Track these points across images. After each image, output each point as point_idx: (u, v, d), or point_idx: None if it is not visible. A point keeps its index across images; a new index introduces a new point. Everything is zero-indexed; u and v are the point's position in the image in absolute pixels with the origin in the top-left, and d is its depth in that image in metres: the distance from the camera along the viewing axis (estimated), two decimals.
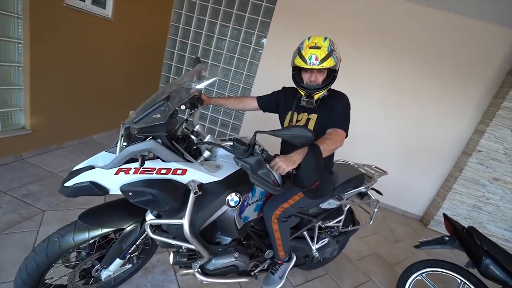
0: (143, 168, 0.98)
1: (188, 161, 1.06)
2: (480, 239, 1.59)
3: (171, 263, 1.26)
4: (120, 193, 1.00)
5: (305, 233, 1.68)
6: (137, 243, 1.20)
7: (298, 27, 3.43)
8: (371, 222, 1.91)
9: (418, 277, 1.80)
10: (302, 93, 1.36)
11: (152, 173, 0.99)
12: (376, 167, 2.07)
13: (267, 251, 1.57)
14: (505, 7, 2.57)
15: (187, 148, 1.11)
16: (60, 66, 2.44)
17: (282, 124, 1.50)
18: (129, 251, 1.20)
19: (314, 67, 1.24)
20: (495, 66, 3.12)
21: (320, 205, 1.61)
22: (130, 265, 1.36)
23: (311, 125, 1.37)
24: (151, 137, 0.99)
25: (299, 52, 1.27)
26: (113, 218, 1.15)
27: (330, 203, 1.66)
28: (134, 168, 0.97)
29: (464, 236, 1.65)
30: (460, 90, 3.27)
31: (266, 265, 1.63)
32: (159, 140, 0.99)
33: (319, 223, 1.68)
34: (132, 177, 0.98)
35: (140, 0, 3.12)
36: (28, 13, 2.02)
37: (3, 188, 1.97)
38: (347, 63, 3.39)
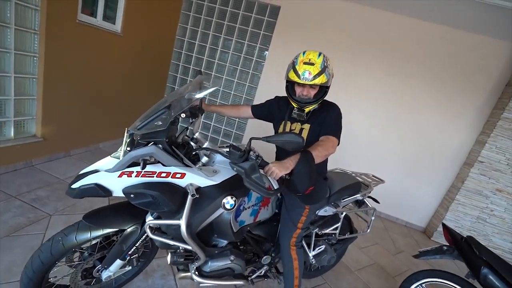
0: (144, 172, 1.04)
1: (187, 165, 1.12)
2: (478, 249, 1.58)
3: (169, 263, 1.31)
4: (123, 195, 1.06)
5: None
6: (137, 244, 1.25)
7: (298, 40, 3.55)
8: (368, 230, 1.93)
9: (418, 287, 1.77)
10: (294, 105, 1.42)
11: (153, 176, 1.06)
12: (373, 176, 2.09)
13: (264, 257, 1.60)
14: (501, 20, 2.64)
15: (186, 153, 1.17)
16: (71, 78, 2.58)
17: (276, 132, 1.56)
18: (129, 252, 1.25)
19: (306, 82, 1.29)
20: (494, 77, 3.16)
21: (317, 212, 1.64)
22: (130, 267, 1.41)
23: (304, 135, 1.42)
24: (152, 142, 1.05)
25: (293, 67, 1.32)
26: (114, 219, 1.21)
27: (326, 210, 1.69)
28: (136, 171, 1.04)
29: (462, 246, 1.65)
30: (460, 102, 3.31)
31: (263, 271, 1.65)
32: (160, 145, 1.06)
33: (316, 230, 1.71)
34: (134, 180, 1.05)
35: (147, 16, 3.29)
36: (44, 29, 2.17)
37: (13, 193, 2.06)
38: (346, 74, 3.50)
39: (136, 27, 3.15)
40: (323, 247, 1.79)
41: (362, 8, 3.32)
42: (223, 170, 1.22)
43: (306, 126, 1.42)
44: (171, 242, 1.18)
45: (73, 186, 1.05)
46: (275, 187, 1.41)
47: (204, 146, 1.23)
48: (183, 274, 1.39)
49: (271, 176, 1.11)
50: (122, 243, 1.24)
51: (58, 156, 2.75)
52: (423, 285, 1.76)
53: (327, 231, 1.75)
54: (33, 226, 1.82)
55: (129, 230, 1.23)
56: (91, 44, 2.66)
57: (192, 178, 1.11)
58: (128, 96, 3.45)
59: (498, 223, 3.28)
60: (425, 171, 3.56)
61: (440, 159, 3.49)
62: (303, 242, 1.71)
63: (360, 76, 3.50)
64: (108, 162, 1.09)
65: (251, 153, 1.15)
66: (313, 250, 1.73)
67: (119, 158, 1.06)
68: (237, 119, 4.05)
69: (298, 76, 1.29)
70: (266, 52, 3.73)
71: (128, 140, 1.07)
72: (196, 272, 1.34)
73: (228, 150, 1.15)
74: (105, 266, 1.27)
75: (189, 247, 1.17)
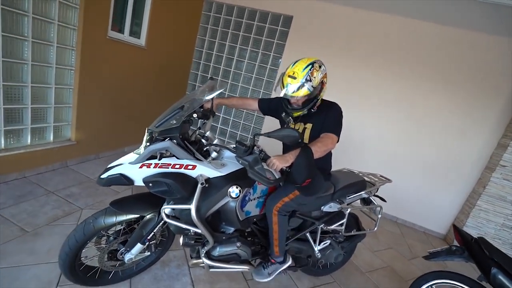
0: (161, 163, 1.21)
1: (198, 159, 1.29)
2: (489, 250, 1.57)
3: (181, 244, 1.48)
4: (143, 184, 1.23)
5: (308, 234, 1.79)
6: (154, 230, 1.42)
7: (310, 48, 3.66)
8: (375, 228, 1.96)
9: None
10: (285, 109, 1.53)
11: (168, 168, 1.23)
12: (381, 176, 2.13)
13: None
14: None
15: (198, 149, 1.34)
16: (101, 88, 2.88)
17: None
18: (148, 237, 1.42)
19: (288, 96, 1.38)
20: None
21: (322, 207, 1.72)
22: (149, 253, 1.58)
23: (307, 134, 1.52)
24: (168, 138, 1.23)
25: (283, 77, 1.42)
26: (136, 206, 1.40)
27: (331, 206, 1.75)
28: (154, 163, 1.21)
29: (473, 247, 1.63)
30: (479, 105, 3.22)
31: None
32: (174, 140, 1.23)
33: (322, 225, 1.78)
34: (152, 171, 1.22)
35: (169, 30, 3.57)
36: (80, 46, 2.48)
37: (52, 189, 2.34)
38: (360, 80, 3.55)
39: (159, 41, 3.44)
40: (328, 242, 1.85)
41: (374, 14, 3.38)
42: (230, 164, 1.38)
43: (309, 126, 1.53)
44: (184, 226, 1.33)
45: (102, 176, 1.24)
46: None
47: (214, 142, 1.39)
48: (195, 261, 1.54)
49: (272, 167, 1.24)
50: (142, 228, 1.41)
51: (89, 158, 3.04)
52: (433, 286, 1.74)
53: (333, 227, 1.81)
54: (67, 218, 2.06)
55: (148, 216, 1.41)
56: (119, 57, 2.96)
57: (202, 170, 1.27)
58: (151, 103, 3.73)
59: None
60: (444, 176, 3.46)
61: (459, 164, 3.39)
62: (309, 237, 1.79)
63: (374, 82, 3.52)
64: (131, 157, 1.27)
65: (255, 148, 1.28)
66: (318, 245, 1.80)
67: (140, 154, 1.24)
68: (252, 125, 4.21)
69: (283, 87, 1.39)
70: (280, 60, 3.87)
71: (148, 137, 1.25)
72: (206, 256, 1.49)
73: (234, 146, 1.30)
74: (128, 249, 1.45)
75: (198, 230, 1.32)
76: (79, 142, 2.82)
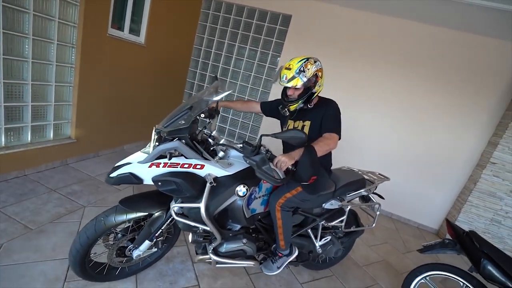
0: (170, 163, 1.24)
1: (206, 159, 1.32)
2: (479, 242, 1.64)
3: (190, 241, 1.54)
4: (152, 183, 1.26)
5: (309, 231, 1.85)
6: (162, 227, 1.45)
7: (309, 47, 3.71)
8: (374, 224, 2.03)
9: (422, 280, 1.83)
10: (282, 102, 1.59)
11: (177, 167, 1.26)
12: (379, 174, 2.20)
13: (274, 245, 1.75)
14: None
15: (205, 149, 1.38)
16: (101, 86, 2.87)
17: (282, 129, 1.75)
18: (156, 235, 1.46)
19: (283, 84, 1.48)
20: (505, 79, 3.17)
21: (323, 205, 1.78)
22: (156, 249, 1.62)
23: (305, 131, 1.57)
24: (177, 138, 1.26)
25: (280, 70, 1.52)
26: (145, 204, 1.43)
27: (332, 204, 1.81)
28: (163, 162, 1.25)
29: (464, 240, 1.71)
30: (471, 104, 3.33)
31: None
32: (183, 140, 1.26)
33: (323, 222, 1.84)
34: (161, 170, 1.25)
35: (168, 28, 3.57)
36: (80, 43, 2.47)
37: (53, 187, 2.34)
38: (358, 78, 3.61)
39: (158, 39, 3.44)
40: (329, 238, 1.92)
41: (371, 15, 3.44)
42: (237, 163, 1.42)
43: (307, 123, 1.58)
44: (192, 223, 1.37)
45: (111, 175, 1.27)
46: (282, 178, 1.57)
47: (220, 142, 1.43)
48: (200, 257, 1.59)
49: (280, 166, 1.28)
50: (150, 226, 1.45)
51: (89, 156, 3.04)
52: (427, 278, 1.82)
53: (333, 223, 1.87)
54: (71, 215, 2.07)
55: (156, 214, 1.44)
56: (118, 55, 2.95)
57: (210, 169, 1.31)
58: (150, 102, 3.73)
59: None
60: (437, 173, 3.57)
61: (452, 161, 3.50)
62: (310, 233, 1.85)
63: (372, 81, 3.59)
64: (138, 156, 1.30)
65: (261, 148, 1.32)
66: (319, 241, 1.86)
67: (147, 153, 1.28)
68: (250, 123, 4.25)
69: (280, 79, 1.48)
70: (278, 58, 3.91)
71: (156, 137, 1.27)
72: (213, 252, 1.54)
73: (241, 146, 1.33)
74: (136, 246, 1.48)
75: (207, 228, 1.36)
76: (79, 140, 2.82)
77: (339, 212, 1.89)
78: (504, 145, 3.12)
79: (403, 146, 3.64)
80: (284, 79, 1.46)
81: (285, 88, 1.58)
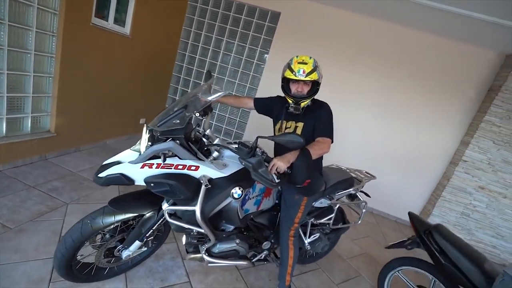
0: (164, 164, 1.19)
1: (200, 159, 1.28)
2: (444, 238, 1.61)
3: (184, 243, 1.51)
4: (144, 184, 1.21)
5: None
6: (154, 228, 1.42)
7: (297, 45, 3.75)
8: (359, 221, 2.12)
9: (395, 274, 1.89)
10: (290, 101, 1.54)
11: (171, 168, 1.21)
12: (366, 172, 2.29)
13: (264, 243, 1.78)
14: (485, 31, 2.87)
15: (199, 149, 1.33)
16: (83, 77, 2.74)
17: (274, 129, 1.72)
18: (147, 235, 1.43)
19: (301, 78, 1.44)
20: (477, 83, 3.40)
21: (313, 203, 1.83)
22: (146, 248, 1.59)
23: (298, 132, 1.56)
24: (171, 138, 1.20)
25: (289, 66, 1.48)
26: (135, 205, 1.38)
27: (322, 202, 1.88)
28: (157, 163, 1.19)
29: (425, 240, 1.68)
30: (446, 105, 3.54)
31: (263, 255, 1.83)
32: (177, 141, 1.20)
33: (312, 220, 1.89)
34: (154, 171, 1.20)
35: (154, 19, 3.46)
36: (62, 32, 2.33)
37: (32, 184, 2.22)
38: (342, 78, 3.71)
39: (144, 30, 3.32)
40: (317, 235, 1.99)
41: (358, 16, 3.53)
42: (232, 164, 1.39)
43: (300, 124, 1.56)
44: (186, 226, 1.34)
45: (100, 175, 1.19)
46: (276, 181, 1.59)
47: (215, 142, 1.39)
48: (192, 256, 1.57)
49: (275, 169, 1.24)
50: (141, 227, 1.41)
51: (69, 151, 2.90)
52: (400, 272, 1.86)
53: (322, 221, 1.94)
54: (53, 213, 1.98)
55: (147, 215, 1.40)
56: (102, 46, 2.82)
57: (205, 171, 1.27)
58: (134, 95, 3.61)
59: (480, 219, 3.52)
60: (414, 170, 3.78)
61: (428, 159, 3.72)
62: (300, 231, 1.89)
63: (355, 80, 3.71)
64: (128, 154, 1.23)
65: (257, 149, 1.30)
66: (308, 238, 1.92)
67: (138, 151, 1.22)
68: (237, 119, 4.24)
69: (294, 73, 1.45)
70: (266, 55, 3.92)
71: (148, 135, 1.21)
72: (206, 253, 1.53)
73: (236, 146, 1.31)
74: (126, 246, 1.45)
75: (201, 230, 1.35)
76: (59, 134, 2.68)
77: (328, 210, 1.96)
78: (474, 144, 3.36)
79: (382, 143, 3.81)
80: (301, 73, 1.43)
81: (288, 85, 1.54)
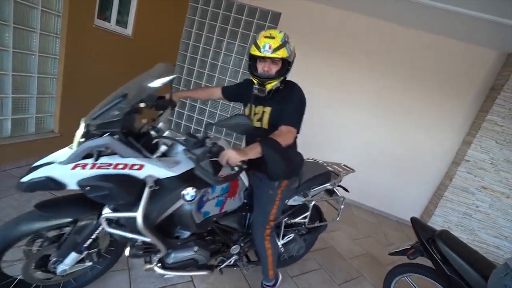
0: (100, 163, 1.00)
1: (146, 157, 1.09)
2: (449, 247, 1.52)
3: (127, 255, 1.27)
4: (78, 188, 1.01)
5: None
6: (92, 236, 1.20)
7: (297, 45, 3.75)
8: (338, 218, 2.01)
9: (402, 278, 1.82)
10: (255, 81, 1.34)
11: (109, 168, 1.01)
12: (344, 165, 2.14)
13: (233, 247, 1.60)
14: (486, 30, 2.86)
15: (145, 143, 1.13)
16: (86, 78, 2.76)
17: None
18: (85, 245, 1.20)
19: (267, 55, 1.24)
20: (479, 82, 3.40)
21: (286, 201, 1.64)
22: (90, 263, 1.31)
23: (265, 118, 1.39)
24: (108, 133, 1.01)
25: (255, 42, 1.29)
26: (68, 209, 1.16)
27: (295, 200, 1.71)
28: (91, 163, 0.99)
29: (428, 249, 1.60)
30: (448, 105, 3.54)
31: (232, 261, 1.66)
32: (116, 136, 1.01)
33: (285, 219, 1.73)
34: (89, 172, 1.00)
35: (156, 20, 3.48)
36: (65, 33, 2.36)
37: None
38: (342, 77, 3.72)
39: (145, 31, 3.35)
40: (292, 235, 1.85)
41: (358, 16, 3.54)
42: (185, 161, 1.16)
43: (267, 109, 1.38)
44: (129, 235, 1.13)
45: (23, 179, 1.00)
46: (245, 181, 1.44)
47: (164, 135, 1.18)
48: (148, 266, 1.34)
49: (227, 161, 1.06)
50: (75, 234, 1.17)
51: None
52: (407, 277, 1.79)
53: (296, 220, 1.78)
54: None
55: (84, 222, 1.17)
56: (105, 47, 2.85)
57: (151, 170, 1.06)
58: None
59: (483, 219, 3.50)
60: (416, 170, 3.78)
61: (430, 159, 3.71)
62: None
63: (355, 80, 3.72)
64: (64, 153, 1.03)
65: (207, 140, 1.12)
66: (282, 239, 1.77)
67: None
68: (207, 109, 4.25)
69: (259, 49, 1.25)
70: None
71: (84, 131, 1.02)
72: (159, 264, 1.33)
73: (184, 138, 1.14)
74: (60, 259, 1.19)
75: (147, 239, 1.14)
76: (63, 134, 2.70)
77: (302, 207, 1.79)
78: (476, 143, 3.35)
79: (384, 143, 3.81)
80: (267, 48, 1.23)
81: (255, 64, 1.35)
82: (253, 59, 1.35)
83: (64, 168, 0.99)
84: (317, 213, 2.00)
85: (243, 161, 1.06)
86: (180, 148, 1.20)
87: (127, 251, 1.27)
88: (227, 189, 1.37)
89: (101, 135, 1.01)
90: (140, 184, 1.05)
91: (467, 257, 1.47)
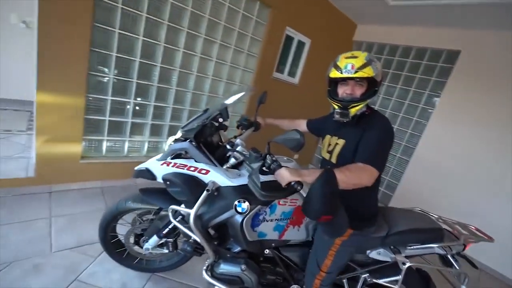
0: (179, 163, 1.21)
1: (215, 165, 1.22)
2: None
3: (178, 248, 1.43)
4: (162, 181, 1.24)
5: (344, 280, 1.40)
6: (169, 226, 1.37)
7: (480, 86, 3.05)
8: None
9: None
10: (335, 106, 1.18)
11: (184, 169, 1.20)
12: (476, 229, 1.42)
13: (294, 286, 1.44)
14: None
15: (221, 155, 1.29)
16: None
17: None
18: (164, 232, 1.38)
19: (349, 75, 1.09)
20: None
21: (367, 251, 1.33)
22: (167, 251, 1.47)
23: (336, 150, 1.21)
24: (189, 140, 1.22)
25: (334, 64, 1.16)
26: (158, 199, 1.36)
27: (380, 253, 1.33)
28: (173, 162, 1.22)
29: None
30: None
31: None
32: (194, 143, 1.21)
33: (366, 275, 1.36)
34: (169, 169, 1.22)
35: (318, 71, 3.94)
36: (252, 83, 3.19)
37: None
38: None
39: (308, 79, 3.90)
40: None
41: None
42: (246, 175, 1.19)
43: (341, 142, 1.19)
44: (184, 230, 1.27)
45: (136, 168, 1.31)
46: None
47: (237, 149, 1.27)
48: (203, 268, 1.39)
49: (280, 180, 0.99)
50: (158, 221, 1.42)
51: None
52: None
53: (382, 281, 1.34)
54: None
55: (165, 212, 1.39)
56: (277, 92, 3.56)
57: (215, 176, 1.19)
58: None
59: None
60: None
61: None
62: (345, 281, 1.41)
63: None
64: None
65: (268, 156, 1.08)
66: None
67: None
68: None
69: (339, 70, 1.11)
70: (437, 98, 3.43)
71: (177, 137, 1.29)
72: (209, 272, 1.37)
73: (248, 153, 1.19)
74: (146, 238, 1.44)
75: (197, 239, 1.24)
76: None
77: (392, 267, 1.34)
78: None
79: None
80: (349, 68, 1.09)
81: (335, 89, 1.21)
82: (333, 84, 1.22)
83: (157, 163, 1.25)
84: (422, 282, 1.46)
85: (298, 182, 0.96)
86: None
87: (180, 244, 1.42)
88: (289, 215, 1.30)
89: (183, 141, 1.24)
90: (203, 187, 1.17)
91: None
